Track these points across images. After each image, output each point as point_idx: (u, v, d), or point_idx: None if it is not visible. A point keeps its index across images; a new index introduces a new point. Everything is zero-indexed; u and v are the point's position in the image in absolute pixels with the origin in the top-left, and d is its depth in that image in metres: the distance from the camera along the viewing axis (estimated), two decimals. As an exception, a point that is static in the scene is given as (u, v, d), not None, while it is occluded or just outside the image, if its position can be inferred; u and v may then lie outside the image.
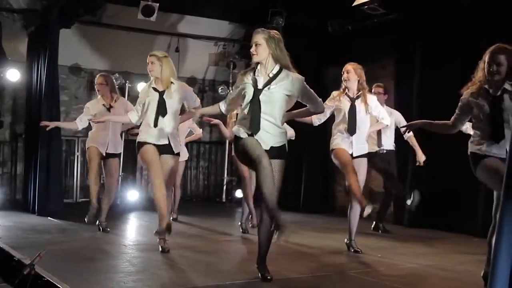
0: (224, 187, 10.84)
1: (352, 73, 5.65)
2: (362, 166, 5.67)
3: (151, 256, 5.37)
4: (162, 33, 10.16)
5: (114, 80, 6.83)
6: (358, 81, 5.65)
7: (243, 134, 4.24)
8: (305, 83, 4.40)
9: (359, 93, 5.64)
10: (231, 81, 10.32)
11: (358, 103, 5.61)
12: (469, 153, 4.20)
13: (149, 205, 8.08)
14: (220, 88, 10.64)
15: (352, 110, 5.58)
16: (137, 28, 9.75)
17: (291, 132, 6.07)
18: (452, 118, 4.35)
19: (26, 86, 8.90)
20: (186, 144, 10.86)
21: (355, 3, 7.72)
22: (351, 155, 5.62)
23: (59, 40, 8.30)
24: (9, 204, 8.98)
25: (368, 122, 5.83)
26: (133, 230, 7.44)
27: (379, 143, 7.05)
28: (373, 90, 7.20)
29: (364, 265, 5.20)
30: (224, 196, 10.76)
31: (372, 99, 5.75)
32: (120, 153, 6.79)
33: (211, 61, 11.10)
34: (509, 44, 4.13)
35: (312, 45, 9.14)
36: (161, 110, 5.36)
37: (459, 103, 4.26)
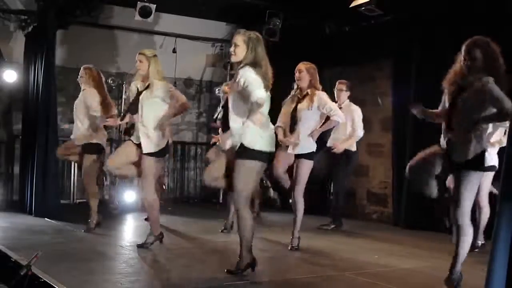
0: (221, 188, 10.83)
1: (304, 73, 5.74)
2: (300, 166, 5.75)
3: (148, 257, 5.37)
4: (159, 34, 10.17)
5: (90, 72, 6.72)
6: (310, 81, 5.71)
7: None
8: (247, 74, 4.34)
9: (305, 92, 5.70)
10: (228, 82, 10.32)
11: (301, 103, 5.68)
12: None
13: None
14: (217, 89, 10.64)
15: (293, 111, 5.68)
16: (134, 29, 9.76)
17: None
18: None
19: (23, 87, 8.88)
20: (183, 145, 10.94)
21: (352, 4, 7.74)
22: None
23: (56, 41, 8.29)
24: (6, 205, 8.95)
25: (312, 121, 5.79)
26: (130, 231, 7.44)
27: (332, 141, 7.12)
28: (336, 87, 7.29)
29: (360, 266, 5.21)
30: (221, 196, 10.75)
31: (319, 96, 5.74)
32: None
33: (208, 62, 11.10)
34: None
35: (309, 46, 9.13)
36: (132, 107, 5.49)
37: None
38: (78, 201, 9.67)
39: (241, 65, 4.38)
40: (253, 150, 4.36)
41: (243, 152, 4.36)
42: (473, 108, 4.03)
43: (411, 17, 7.89)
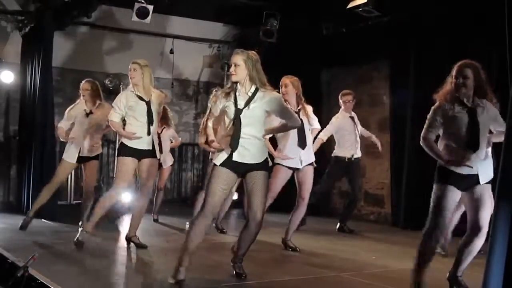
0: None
1: (290, 87, 5.76)
2: (308, 174, 5.87)
3: (146, 258, 5.37)
4: (156, 35, 10.16)
5: (99, 86, 6.81)
6: (296, 93, 5.75)
7: (217, 160, 4.44)
8: (282, 100, 4.70)
9: (299, 107, 5.74)
10: (225, 83, 10.33)
11: (303, 116, 5.67)
12: (438, 166, 4.18)
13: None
14: (214, 90, 10.62)
15: (301, 124, 5.51)
16: (132, 30, 9.74)
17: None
18: (426, 129, 4.22)
19: (20, 88, 8.86)
20: (180, 146, 10.93)
21: (349, 6, 7.73)
22: (296, 169, 5.79)
23: (53, 42, 8.28)
24: (3, 206, 8.94)
25: (309, 134, 5.95)
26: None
27: (355, 150, 7.21)
28: (341, 99, 7.29)
29: (358, 267, 5.21)
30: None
31: (311, 112, 5.89)
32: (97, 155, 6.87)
33: (205, 63, 11.09)
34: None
35: (306, 48, 9.15)
36: (151, 119, 5.62)
37: (435, 109, 4.19)
38: (75, 202, 9.65)
39: (253, 86, 4.43)
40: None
41: (267, 164, 4.55)
42: (485, 129, 4.15)
43: (408, 18, 7.89)
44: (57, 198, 8.43)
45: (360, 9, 7.67)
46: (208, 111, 4.69)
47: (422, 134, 4.24)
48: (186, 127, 11.25)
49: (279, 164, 5.76)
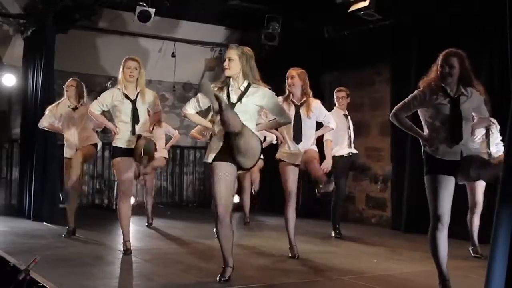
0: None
1: (296, 79, 5.72)
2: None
3: (147, 262, 5.37)
4: (158, 38, 10.18)
5: (84, 87, 6.93)
6: (302, 86, 5.71)
7: (209, 158, 4.47)
8: (275, 96, 4.64)
9: (303, 99, 5.68)
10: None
11: (302, 110, 5.65)
12: (423, 151, 4.23)
13: (143, 211, 8.09)
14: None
15: (297, 118, 5.58)
16: (133, 33, 9.76)
17: (271, 137, 6.15)
18: (399, 106, 4.29)
19: (22, 91, 8.88)
20: (182, 150, 10.93)
21: (351, 9, 7.74)
22: (298, 165, 5.69)
23: (55, 45, 8.30)
24: (5, 209, 8.95)
25: (314, 127, 5.84)
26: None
27: (350, 145, 7.17)
28: (335, 95, 7.28)
29: (359, 270, 5.20)
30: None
31: (315, 105, 5.75)
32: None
33: (207, 66, 11.11)
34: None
35: (308, 50, 9.16)
36: (136, 118, 5.54)
37: (416, 94, 4.23)
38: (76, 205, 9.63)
39: (246, 81, 4.44)
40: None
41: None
42: (469, 117, 4.16)
43: (410, 21, 7.90)
44: (58, 201, 8.45)
45: (362, 12, 7.68)
46: (195, 101, 4.66)
47: (394, 110, 4.30)
48: (187, 130, 11.23)
49: (282, 161, 5.70)
